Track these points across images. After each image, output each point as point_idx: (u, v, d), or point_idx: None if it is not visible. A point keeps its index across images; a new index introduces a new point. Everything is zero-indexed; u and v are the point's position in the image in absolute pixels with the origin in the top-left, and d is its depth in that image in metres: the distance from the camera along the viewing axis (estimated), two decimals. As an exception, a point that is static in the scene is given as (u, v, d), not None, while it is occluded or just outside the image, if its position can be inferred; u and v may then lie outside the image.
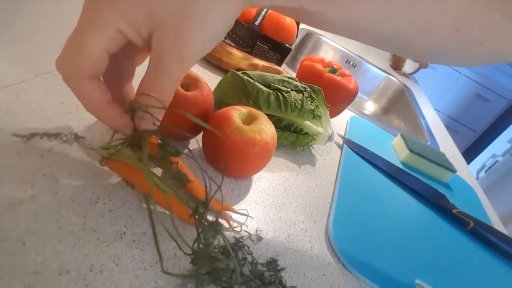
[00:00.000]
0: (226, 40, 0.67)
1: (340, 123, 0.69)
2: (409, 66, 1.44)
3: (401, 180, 0.56)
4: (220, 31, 0.26)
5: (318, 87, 0.52)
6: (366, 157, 0.58)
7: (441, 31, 0.27)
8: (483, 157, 2.79)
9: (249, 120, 0.38)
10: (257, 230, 0.34)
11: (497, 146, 2.74)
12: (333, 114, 0.63)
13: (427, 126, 0.96)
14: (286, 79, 0.50)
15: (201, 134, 0.39)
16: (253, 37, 0.66)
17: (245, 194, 0.38)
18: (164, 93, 0.27)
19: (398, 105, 1.27)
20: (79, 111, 0.36)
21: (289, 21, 0.67)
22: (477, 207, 0.63)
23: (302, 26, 1.17)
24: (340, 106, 0.61)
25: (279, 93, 0.47)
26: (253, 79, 0.47)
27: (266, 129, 0.37)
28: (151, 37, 0.24)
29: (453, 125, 3.05)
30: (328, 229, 0.39)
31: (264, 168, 0.43)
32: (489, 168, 2.75)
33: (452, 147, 0.94)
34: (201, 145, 0.40)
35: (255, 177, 0.42)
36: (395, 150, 0.68)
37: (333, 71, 0.60)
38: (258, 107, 0.45)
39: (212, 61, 0.62)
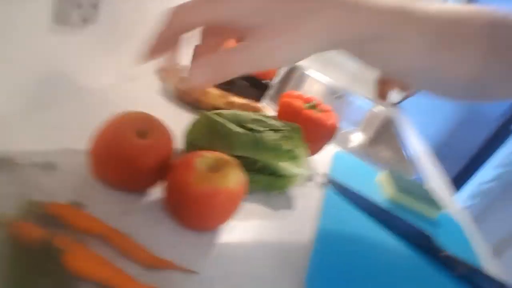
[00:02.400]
0: (203, 77, 0.65)
1: (324, 159, 0.67)
2: (395, 95, 1.45)
3: (387, 223, 0.53)
4: (296, 57, 0.29)
5: (297, 125, 0.49)
6: (349, 197, 0.54)
7: None
8: (473, 183, 2.77)
9: (216, 167, 0.35)
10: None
11: (486, 172, 2.73)
12: (313, 151, 0.61)
13: (414, 160, 0.94)
14: (262, 118, 0.48)
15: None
16: (231, 74, 0.64)
17: (209, 249, 0.34)
18: (232, 65, 0.27)
19: (385, 136, 1.26)
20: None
21: (267, 57, 0.66)
22: (464, 246, 0.60)
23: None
24: (320, 143, 0.59)
25: (254, 133, 0.44)
26: (227, 119, 0.45)
27: (232, 176, 0.34)
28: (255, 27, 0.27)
29: (441, 151, 3.06)
30: (305, 284, 0.36)
31: (234, 217, 0.39)
32: (479, 194, 2.73)
33: (439, 179, 0.92)
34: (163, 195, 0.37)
35: (223, 229, 0.38)
36: (380, 187, 0.65)
37: (312, 107, 0.59)
38: (231, 149, 0.43)
39: (187, 100, 0.60)
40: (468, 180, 2.75)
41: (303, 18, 0.26)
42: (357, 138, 1.32)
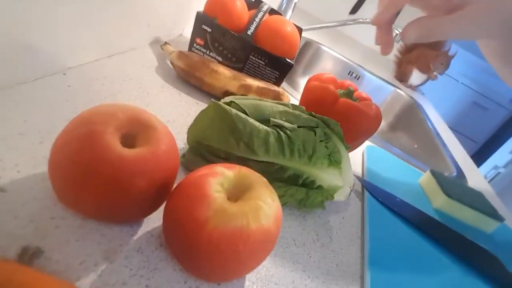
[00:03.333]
0: (210, 53, 0.52)
1: (354, 155, 0.55)
2: (416, 78, 1.32)
3: (443, 240, 0.42)
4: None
5: (335, 121, 0.38)
6: (394, 209, 0.44)
7: None
8: (485, 169, 2.69)
9: (239, 190, 0.24)
10: None
11: (499, 157, 2.65)
12: (351, 148, 0.49)
13: (447, 150, 0.83)
14: (291, 110, 0.36)
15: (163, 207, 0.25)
16: (245, 50, 0.52)
17: (233, 309, 0.24)
18: (442, 28, 0.32)
19: (407, 121, 1.14)
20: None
21: (290, 29, 0.53)
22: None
23: (300, 34, 1.04)
24: (360, 138, 0.47)
25: (281, 132, 0.33)
26: (245, 112, 0.33)
27: (266, 207, 0.22)
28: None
29: (455, 134, 2.95)
30: None
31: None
32: (491, 179, 2.65)
33: (478, 177, 0.81)
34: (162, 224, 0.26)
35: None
36: (424, 191, 0.54)
37: (349, 94, 0.46)
38: (252, 152, 0.32)
39: (191, 82, 0.48)
40: (481, 165, 2.66)
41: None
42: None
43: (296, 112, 0.37)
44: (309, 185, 0.35)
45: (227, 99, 0.35)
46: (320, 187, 0.35)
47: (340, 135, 0.38)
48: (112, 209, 0.23)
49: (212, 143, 0.32)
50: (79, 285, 0.20)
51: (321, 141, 0.35)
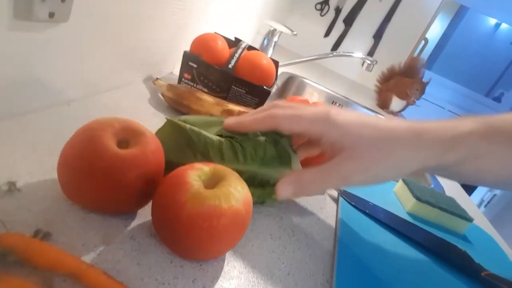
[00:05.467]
0: (197, 86, 0.60)
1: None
2: (396, 104, 1.41)
3: (413, 238, 0.46)
4: (389, 177, 0.33)
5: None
6: (367, 211, 0.48)
7: None
8: (480, 193, 2.71)
9: (214, 181, 0.29)
10: None
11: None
12: (319, 162, 0.55)
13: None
14: None
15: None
16: (228, 81, 0.59)
17: (213, 284, 0.28)
18: (312, 185, 0.33)
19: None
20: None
21: (266, 61, 0.61)
22: (502, 261, 0.53)
23: (282, 69, 1.13)
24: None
25: (233, 141, 0.37)
26: (196, 125, 0.37)
27: (236, 192, 0.27)
28: (338, 149, 0.33)
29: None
30: (330, 324, 0.29)
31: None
32: (488, 202, 2.66)
33: (457, 188, 0.86)
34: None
35: (228, 254, 0.31)
36: (398, 198, 0.58)
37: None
38: (209, 161, 0.35)
39: (180, 109, 0.54)
40: (476, 188, 2.68)
41: (384, 150, 0.32)
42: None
43: None
44: (264, 184, 0.39)
45: (182, 118, 0.38)
46: (274, 184, 0.39)
47: (288, 138, 0.42)
48: (109, 200, 0.28)
49: (171, 158, 0.33)
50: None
51: (270, 145, 0.39)
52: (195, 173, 0.28)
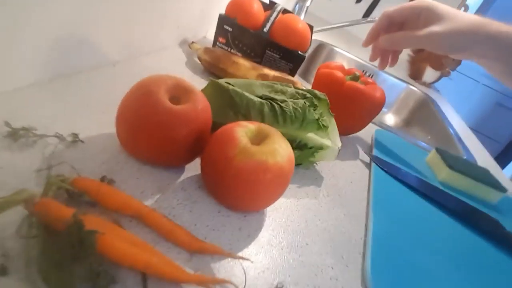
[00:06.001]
0: (231, 50, 0.60)
1: (364, 138, 0.61)
2: (429, 75, 1.35)
3: (445, 205, 0.47)
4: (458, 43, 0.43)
5: (321, 93, 0.43)
6: (399, 177, 0.49)
7: None
8: (510, 170, 2.62)
9: (259, 138, 0.30)
10: (276, 286, 0.26)
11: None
12: (357, 128, 0.55)
13: (459, 138, 0.86)
14: (279, 85, 0.42)
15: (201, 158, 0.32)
16: (262, 45, 0.59)
17: (256, 233, 0.30)
18: (403, 39, 0.46)
19: (421, 117, 1.17)
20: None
21: (301, 26, 0.60)
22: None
23: (314, 36, 1.11)
24: (365, 118, 0.53)
25: (273, 103, 0.38)
26: (239, 87, 0.38)
27: (280, 150, 0.29)
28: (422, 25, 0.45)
29: (477, 133, 2.90)
30: (365, 275, 0.31)
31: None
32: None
33: (490, 161, 0.84)
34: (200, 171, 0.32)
35: (269, 209, 0.33)
36: (431, 168, 0.58)
37: (355, 78, 0.52)
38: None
39: (216, 73, 0.55)
40: (507, 165, 2.60)
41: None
42: (390, 120, 1.24)
43: (285, 87, 0.42)
44: (302, 147, 0.40)
45: (223, 80, 0.39)
46: (311, 148, 0.41)
47: (326, 103, 0.43)
48: (161, 153, 0.30)
49: (213, 118, 0.33)
50: (141, 205, 0.27)
51: (309, 108, 0.40)
52: (242, 130, 0.29)
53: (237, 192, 0.29)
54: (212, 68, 0.55)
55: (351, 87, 0.50)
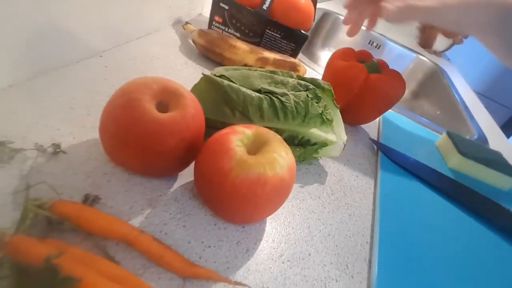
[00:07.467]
0: (229, 30, 0.55)
1: (370, 123, 0.57)
2: (440, 42, 1.28)
3: (457, 198, 0.44)
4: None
5: (325, 82, 0.40)
6: (407, 167, 0.46)
7: None
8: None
9: (257, 145, 0.27)
10: (273, 307, 0.25)
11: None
12: (369, 119, 0.51)
13: (471, 116, 0.82)
14: (280, 76, 0.38)
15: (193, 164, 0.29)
16: (261, 24, 0.54)
17: (256, 246, 0.28)
18: (391, 14, 0.40)
19: (431, 88, 1.12)
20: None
21: (304, 1, 0.55)
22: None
23: (318, 5, 1.03)
24: (382, 110, 0.49)
25: (273, 97, 0.35)
26: (235, 80, 0.35)
27: (280, 159, 0.26)
28: None
29: (484, 102, 2.83)
30: (371, 287, 0.29)
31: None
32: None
33: (503, 141, 0.81)
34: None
35: (269, 216, 0.31)
36: (441, 152, 0.55)
37: (374, 67, 0.48)
38: (247, 119, 0.34)
39: (212, 58, 0.51)
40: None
41: None
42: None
43: (285, 76, 0.39)
44: (305, 143, 0.37)
45: (217, 71, 0.36)
46: (315, 143, 0.38)
47: (331, 93, 0.40)
48: (151, 164, 0.27)
49: (207, 115, 0.31)
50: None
51: (312, 101, 0.37)
52: (238, 138, 0.27)
53: (234, 207, 0.26)
54: (208, 53, 0.51)
55: (375, 80, 0.45)
